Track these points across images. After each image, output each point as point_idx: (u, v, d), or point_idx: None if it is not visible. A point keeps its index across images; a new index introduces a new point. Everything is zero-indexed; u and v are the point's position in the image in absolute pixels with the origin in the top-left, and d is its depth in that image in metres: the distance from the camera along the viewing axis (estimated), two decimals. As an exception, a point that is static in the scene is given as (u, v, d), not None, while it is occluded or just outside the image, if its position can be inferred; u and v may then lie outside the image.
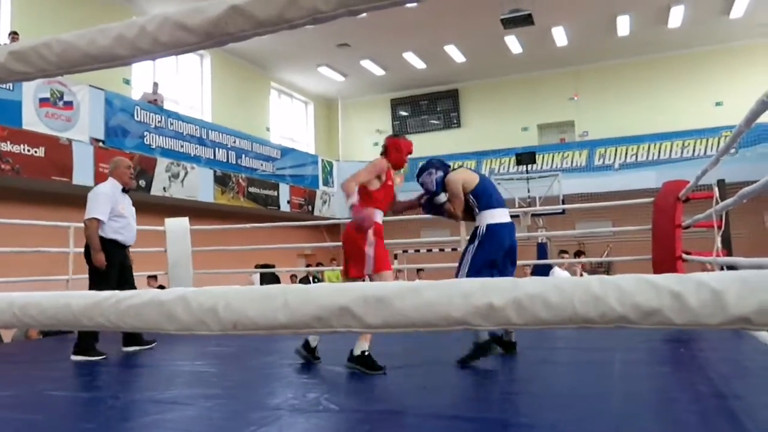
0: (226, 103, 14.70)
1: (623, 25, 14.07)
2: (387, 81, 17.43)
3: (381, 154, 3.77)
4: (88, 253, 4.36)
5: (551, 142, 16.39)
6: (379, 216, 3.61)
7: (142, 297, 0.95)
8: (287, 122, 17.59)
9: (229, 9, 0.85)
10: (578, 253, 7.79)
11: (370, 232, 3.46)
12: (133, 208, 4.70)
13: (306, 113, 18.71)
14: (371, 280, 3.56)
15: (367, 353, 3.34)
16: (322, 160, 15.68)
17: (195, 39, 0.89)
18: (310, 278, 12.08)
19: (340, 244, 3.99)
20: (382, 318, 0.78)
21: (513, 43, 15.02)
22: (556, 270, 7.90)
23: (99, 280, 4.32)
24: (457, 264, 3.74)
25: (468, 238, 3.77)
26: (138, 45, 0.92)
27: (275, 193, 13.27)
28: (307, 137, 18.45)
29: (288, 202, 13.63)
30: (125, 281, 4.54)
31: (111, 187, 4.54)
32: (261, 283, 11.26)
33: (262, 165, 13.21)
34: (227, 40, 0.88)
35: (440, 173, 3.85)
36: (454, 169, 3.95)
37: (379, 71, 16.70)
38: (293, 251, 14.76)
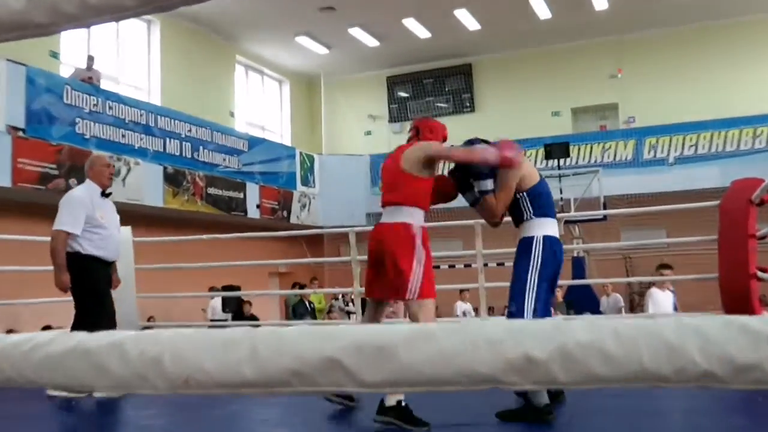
0: (180, 82, 14.69)
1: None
2: (382, 54, 17.45)
3: (408, 141, 3.80)
4: (73, 273, 4.43)
5: (589, 130, 16.41)
6: (421, 217, 3.59)
7: (65, 343, 0.90)
8: (257, 106, 17.58)
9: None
10: (663, 267, 7.59)
11: (419, 241, 3.46)
12: (117, 216, 4.84)
13: (280, 95, 18.71)
14: (408, 309, 3.51)
15: (404, 403, 3.27)
16: (301, 154, 15.65)
17: (133, 2, 0.85)
18: (306, 304, 11.93)
19: (323, 259, 3.96)
20: (383, 374, 0.73)
21: (540, 6, 15.05)
22: (655, 293, 7.65)
23: (91, 306, 4.40)
24: (509, 286, 3.69)
25: (517, 251, 3.71)
26: (60, 8, 0.88)
27: (241, 195, 13.24)
28: (281, 125, 18.44)
29: (257, 206, 13.60)
30: (103, 306, 4.60)
31: (86, 191, 4.59)
32: (223, 310, 11.22)
33: (224, 160, 13.19)
34: (170, 5, 0.85)
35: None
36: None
37: (372, 42, 16.71)
38: (264, 269, 14.70)
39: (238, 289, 11.31)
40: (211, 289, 11.09)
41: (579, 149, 15.01)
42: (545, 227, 3.66)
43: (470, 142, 3.72)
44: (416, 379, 0.73)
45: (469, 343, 0.70)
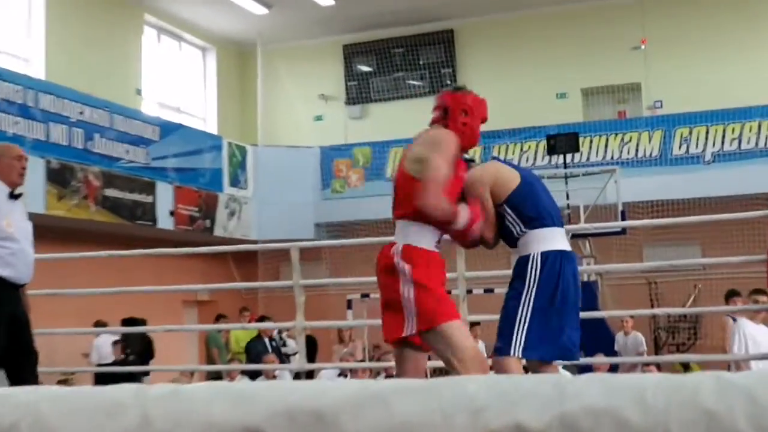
0: (70, 49, 14.55)
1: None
2: (338, 16, 17.46)
3: (432, 124, 3.77)
4: None
5: (604, 118, 16.56)
6: (434, 236, 3.59)
7: None
8: (172, 82, 17.46)
9: None
10: (758, 292, 7.25)
11: (402, 262, 3.47)
12: (29, 224, 4.95)
13: (204, 67, 18.64)
14: (428, 342, 3.51)
15: None
16: (230, 145, 15.57)
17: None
18: (267, 342, 11.58)
19: (255, 284, 4.05)
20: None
21: (542, -44, 15.19)
22: (745, 325, 7.33)
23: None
24: (498, 321, 3.72)
25: (511, 277, 3.76)
26: None
27: (149, 199, 13.15)
28: (204, 107, 18.37)
29: (171, 213, 13.51)
30: (20, 343, 4.61)
31: None
32: (124, 353, 11.09)
33: (128, 152, 13.08)
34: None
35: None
36: (472, 162, 3.94)
37: (325, 1, 16.72)
38: (177, 296, 14.58)
39: (143, 323, 11.19)
40: (97, 324, 10.90)
41: (591, 141, 15.13)
42: (545, 240, 3.68)
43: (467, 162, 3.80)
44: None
45: (435, 408, 0.67)
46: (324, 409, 0.71)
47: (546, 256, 3.64)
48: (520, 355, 3.59)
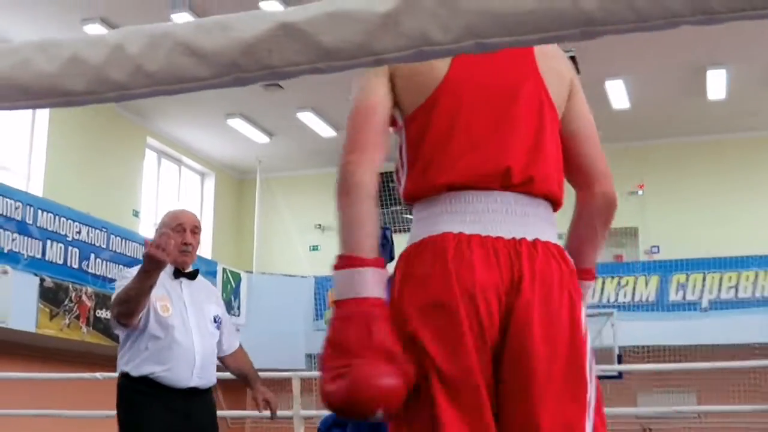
0: (70, 167, 14.65)
1: (717, 82, 14.76)
2: (339, 147, 17.50)
3: None
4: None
5: (601, 261, 16.57)
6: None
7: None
8: (170, 204, 17.55)
9: (278, 28, 0.88)
10: None
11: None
12: (214, 310, 4.27)
13: (201, 191, 18.81)
14: None
15: None
16: (224, 271, 15.56)
17: (208, 72, 0.90)
18: None
19: (246, 413, 3.91)
20: None
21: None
22: None
23: None
24: None
25: None
26: (107, 75, 0.92)
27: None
28: (201, 231, 18.37)
29: (162, 337, 13.39)
30: None
31: None
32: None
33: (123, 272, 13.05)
34: (261, 76, 0.91)
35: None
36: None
37: (326, 130, 17.00)
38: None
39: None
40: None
41: (588, 284, 15.20)
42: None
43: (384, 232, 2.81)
44: None
45: None
46: None
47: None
48: None
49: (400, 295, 1.87)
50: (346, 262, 1.84)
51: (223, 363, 4.21)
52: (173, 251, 3.81)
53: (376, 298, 1.80)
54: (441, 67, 1.94)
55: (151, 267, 3.60)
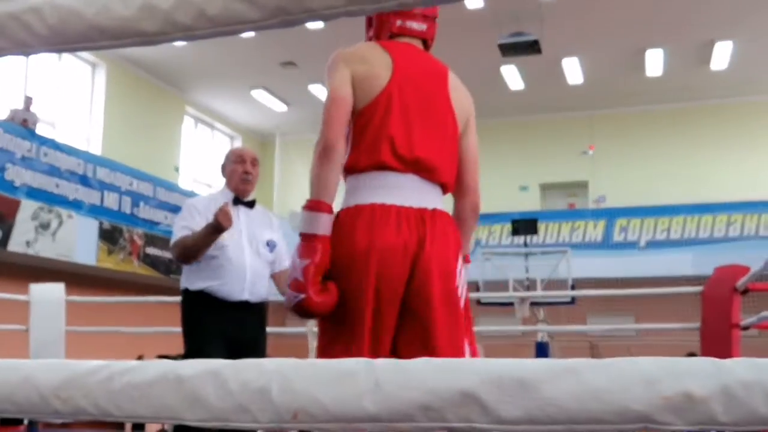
0: (124, 130, 14.64)
1: (654, 61, 14.75)
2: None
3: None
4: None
5: (558, 208, 16.73)
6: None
7: (151, 371, 0.90)
8: (204, 161, 17.54)
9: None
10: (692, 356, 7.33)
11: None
12: (266, 235, 3.89)
13: (230, 151, 18.74)
14: None
15: None
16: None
17: (258, 14, 0.88)
18: None
19: (277, 330, 3.76)
20: (524, 409, 0.75)
21: (512, 75, 15.51)
22: None
23: None
24: None
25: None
26: (174, 18, 0.90)
27: (183, 258, 13.10)
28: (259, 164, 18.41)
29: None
30: None
31: None
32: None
33: (166, 218, 13.06)
34: (304, 18, 0.88)
35: None
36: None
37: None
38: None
39: (175, 358, 11.01)
40: (139, 357, 10.79)
41: (548, 227, 15.24)
42: None
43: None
44: (560, 417, 0.74)
45: (620, 380, 0.72)
46: (526, 377, 0.75)
47: None
48: None
49: (335, 245, 2.17)
50: (314, 205, 2.19)
51: (273, 279, 3.93)
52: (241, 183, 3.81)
53: (325, 236, 2.16)
54: (383, 78, 2.25)
55: (216, 230, 3.47)
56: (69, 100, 13.89)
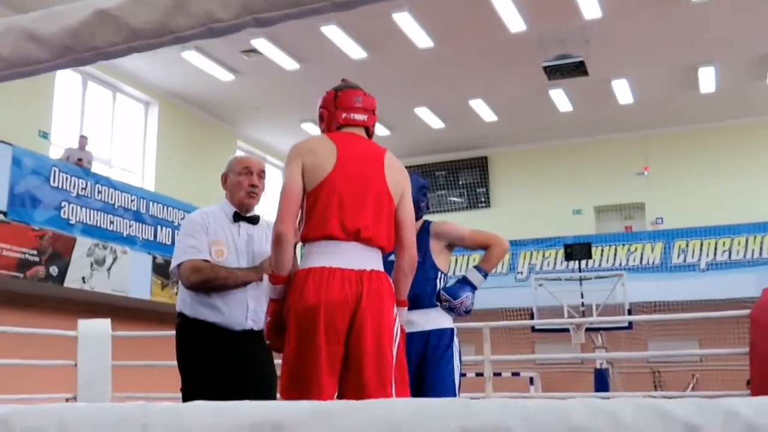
0: (176, 166, 14.92)
1: (707, 78, 14.44)
2: (393, 144, 17.70)
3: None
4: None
5: (613, 231, 16.45)
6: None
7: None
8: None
9: (95, 14, 0.85)
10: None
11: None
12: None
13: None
14: None
15: None
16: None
17: (47, 54, 0.88)
18: None
19: None
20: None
21: (560, 98, 15.37)
22: None
23: None
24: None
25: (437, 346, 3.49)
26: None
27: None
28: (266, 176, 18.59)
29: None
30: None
31: None
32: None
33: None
34: (91, 57, 0.88)
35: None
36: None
37: (382, 131, 17.01)
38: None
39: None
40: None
41: (602, 251, 15.01)
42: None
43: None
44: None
45: (369, 426, 0.69)
46: (281, 422, 0.73)
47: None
48: None
49: (291, 298, 2.72)
50: (272, 279, 2.80)
51: None
52: (245, 197, 3.51)
53: (282, 299, 2.81)
54: (329, 166, 2.78)
55: (254, 279, 3.29)
56: (123, 138, 14.27)
